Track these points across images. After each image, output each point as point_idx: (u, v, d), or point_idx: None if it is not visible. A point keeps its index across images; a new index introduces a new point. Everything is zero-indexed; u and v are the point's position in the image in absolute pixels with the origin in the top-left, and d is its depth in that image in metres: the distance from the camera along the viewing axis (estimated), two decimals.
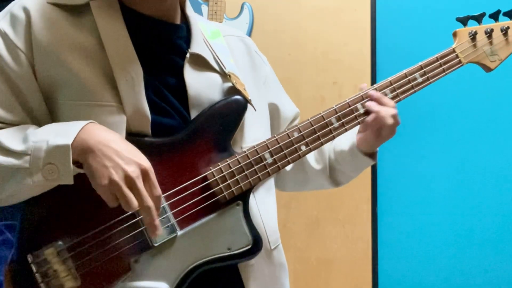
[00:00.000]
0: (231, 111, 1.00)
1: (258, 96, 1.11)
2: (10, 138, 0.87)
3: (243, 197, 0.97)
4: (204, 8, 2.29)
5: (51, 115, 0.94)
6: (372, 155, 1.13)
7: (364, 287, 2.29)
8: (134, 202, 0.83)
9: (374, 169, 2.30)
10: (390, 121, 1.05)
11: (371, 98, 1.08)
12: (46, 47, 0.91)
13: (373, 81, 2.29)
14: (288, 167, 1.20)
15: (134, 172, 0.83)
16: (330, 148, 1.18)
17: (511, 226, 2.26)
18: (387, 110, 1.06)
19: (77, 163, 0.86)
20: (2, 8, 0.97)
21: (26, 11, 0.92)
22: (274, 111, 1.18)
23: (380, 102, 1.07)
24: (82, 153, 0.84)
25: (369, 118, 1.06)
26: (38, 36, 0.91)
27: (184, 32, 1.04)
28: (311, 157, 1.19)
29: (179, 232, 0.93)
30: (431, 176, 2.30)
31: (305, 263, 2.31)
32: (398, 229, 2.31)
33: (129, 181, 0.83)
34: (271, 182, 1.12)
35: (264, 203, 1.05)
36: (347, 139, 1.14)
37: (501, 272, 2.26)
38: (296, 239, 2.31)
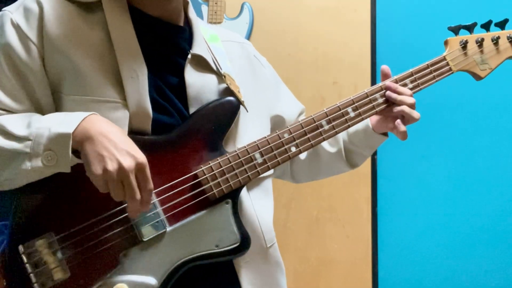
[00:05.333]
0: (223, 111, 1.02)
1: (257, 101, 1.12)
2: (14, 123, 0.89)
3: (233, 195, 0.99)
4: (204, 8, 2.30)
5: (56, 109, 0.96)
6: (385, 133, 1.17)
7: (364, 287, 2.29)
8: (122, 194, 0.86)
9: (374, 169, 2.31)
10: (416, 115, 1.10)
11: (389, 89, 1.11)
12: (56, 40, 0.93)
13: (373, 81, 2.29)
14: (302, 156, 1.23)
15: (128, 165, 0.85)
16: (344, 132, 1.20)
17: (511, 227, 2.26)
18: (408, 99, 1.10)
19: (76, 153, 0.88)
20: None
21: (39, 3, 0.94)
22: (280, 122, 1.20)
23: (398, 92, 1.11)
24: (81, 141, 0.86)
25: (396, 109, 1.10)
26: (50, 29, 0.93)
27: (187, 34, 1.06)
28: (325, 142, 1.21)
29: (168, 228, 0.94)
30: (431, 176, 2.30)
31: (305, 263, 2.31)
32: (398, 229, 2.31)
33: (122, 174, 0.84)
34: (269, 183, 1.13)
35: (260, 203, 1.06)
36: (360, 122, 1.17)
37: (501, 273, 2.25)
38: (296, 239, 2.31)
